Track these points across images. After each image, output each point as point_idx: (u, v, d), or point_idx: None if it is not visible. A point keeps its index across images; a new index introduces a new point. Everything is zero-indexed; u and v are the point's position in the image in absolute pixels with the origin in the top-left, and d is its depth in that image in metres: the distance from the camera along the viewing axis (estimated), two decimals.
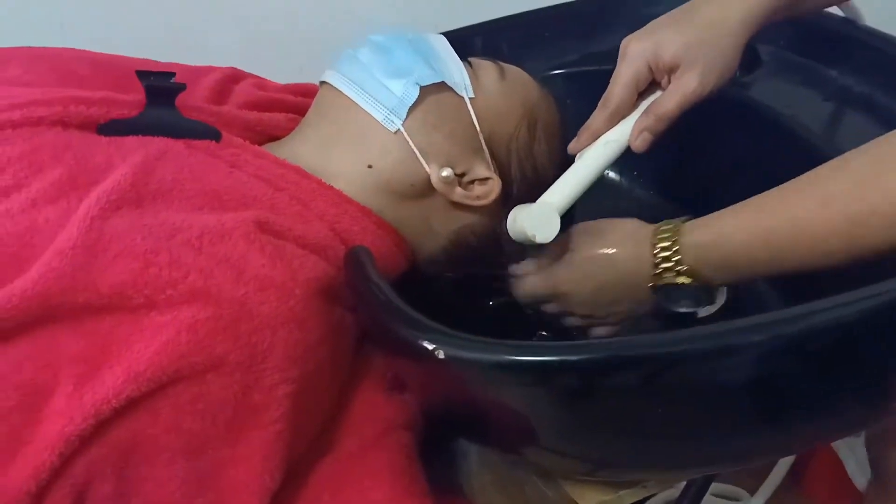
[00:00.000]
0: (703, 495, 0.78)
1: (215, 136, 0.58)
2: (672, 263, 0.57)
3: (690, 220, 0.58)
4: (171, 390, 0.45)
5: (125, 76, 0.60)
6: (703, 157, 0.78)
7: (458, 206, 0.63)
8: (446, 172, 0.61)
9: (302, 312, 0.49)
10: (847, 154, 0.53)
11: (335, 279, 0.54)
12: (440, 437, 0.62)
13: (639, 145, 0.64)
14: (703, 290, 0.58)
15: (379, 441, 0.54)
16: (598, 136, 0.65)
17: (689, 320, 0.72)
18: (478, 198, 0.63)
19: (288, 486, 0.50)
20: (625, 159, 0.80)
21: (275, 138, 0.65)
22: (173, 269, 0.47)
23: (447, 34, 0.85)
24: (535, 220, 0.61)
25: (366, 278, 0.52)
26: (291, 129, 0.65)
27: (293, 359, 0.48)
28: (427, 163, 0.61)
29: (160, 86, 0.57)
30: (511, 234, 0.63)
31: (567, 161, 0.68)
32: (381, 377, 0.57)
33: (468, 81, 0.63)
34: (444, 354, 0.46)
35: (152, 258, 0.47)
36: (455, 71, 0.63)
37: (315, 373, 0.50)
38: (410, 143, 0.61)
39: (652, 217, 0.82)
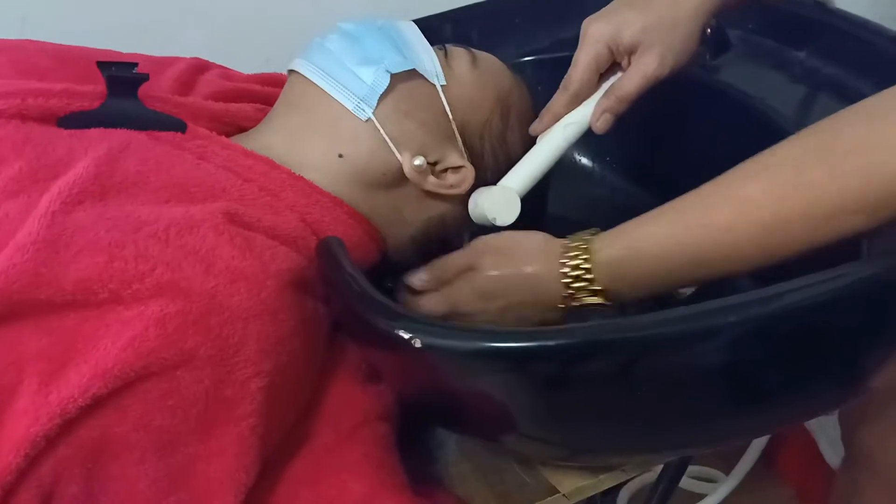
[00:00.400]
0: (680, 477, 0.78)
1: (181, 127, 0.56)
2: (585, 283, 0.53)
3: (599, 232, 0.55)
4: (139, 387, 0.44)
5: (87, 67, 0.59)
6: (674, 142, 0.78)
7: (430, 195, 0.62)
8: (419, 161, 0.60)
9: (274, 304, 0.48)
10: (766, 152, 0.51)
11: (307, 270, 0.53)
12: (417, 427, 0.62)
13: (600, 126, 0.65)
14: (614, 307, 0.55)
15: (355, 433, 0.53)
16: (559, 119, 0.66)
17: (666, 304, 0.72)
18: (451, 186, 0.62)
19: (264, 480, 0.49)
20: (597, 146, 0.81)
21: (243, 129, 0.64)
22: (139, 263, 0.46)
23: (417, 22, 0.85)
24: (496, 204, 0.62)
25: (339, 268, 0.52)
26: (259, 119, 0.64)
27: (266, 351, 0.47)
28: (399, 151, 0.60)
29: (121, 76, 0.55)
30: (473, 217, 0.64)
31: None
32: (356, 368, 0.56)
33: (440, 69, 0.63)
34: (421, 343, 0.46)
35: (117, 252, 0.46)
36: (426, 58, 0.63)
37: (288, 365, 0.49)
38: (382, 131, 0.60)
39: (624, 203, 0.83)
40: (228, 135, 0.61)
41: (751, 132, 0.71)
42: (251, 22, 0.93)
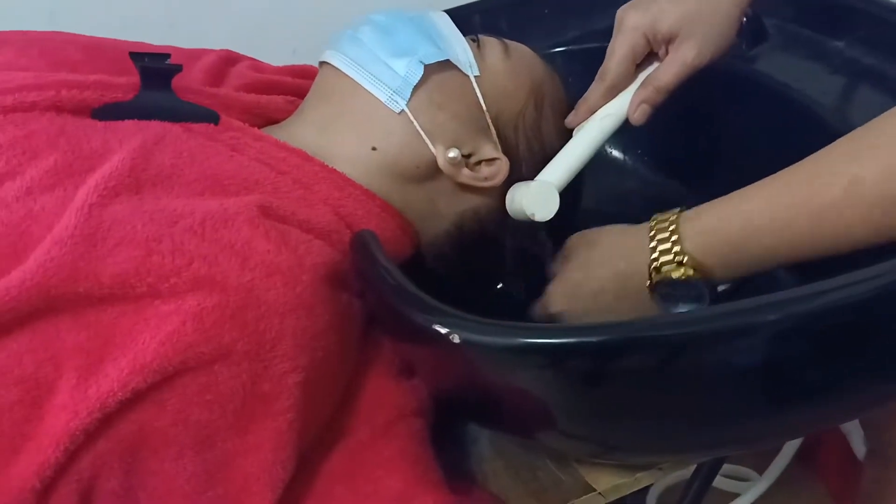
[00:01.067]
0: (714, 476, 0.77)
1: (214, 119, 0.56)
2: (671, 256, 0.51)
3: (684, 210, 0.53)
4: (178, 381, 0.44)
5: (119, 59, 0.59)
6: (709, 135, 0.77)
7: (464, 187, 0.62)
8: (453, 153, 0.60)
9: (310, 299, 0.48)
10: (866, 130, 0.48)
11: (341, 264, 0.52)
12: (450, 423, 0.61)
13: (637, 118, 0.64)
14: (704, 286, 0.52)
15: (390, 429, 0.53)
16: (596, 110, 0.65)
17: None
18: (486, 179, 0.62)
19: (299, 477, 0.49)
20: (629, 138, 0.79)
21: (274, 121, 0.63)
22: (176, 257, 0.45)
23: (446, 13, 0.85)
24: (534, 199, 0.61)
25: (374, 262, 0.51)
26: (291, 111, 0.64)
27: (302, 346, 0.47)
28: (433, 144, 0.59)
29: (155, 67, 0.55)
30: (511, 213, 0.63)
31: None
32: (390, 363, 0.56)
33: (473, 59, 0.62)
34: (459, 338, 0.45)
35: (154, 246, 0.45)
36: (459, 49, 0.62)
37: (324, 360, 0.49)
38: (415, 123, 0.59)
39: (657, 197, 0.81)
40: (260, 126, 0.60)
41: (789, 123, 0.70)
42: (277, 13, 0.93)
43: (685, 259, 0.51)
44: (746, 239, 0.50)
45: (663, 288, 0.52)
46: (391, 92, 0.59)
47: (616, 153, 0.82)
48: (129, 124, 0.53)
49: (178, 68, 0.56)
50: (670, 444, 0.57)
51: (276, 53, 0.77)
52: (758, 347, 0.48)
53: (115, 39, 0.66)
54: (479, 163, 0.62)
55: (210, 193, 0.50)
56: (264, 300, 0.46)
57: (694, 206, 0.53)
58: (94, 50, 0.62)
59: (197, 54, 0.67)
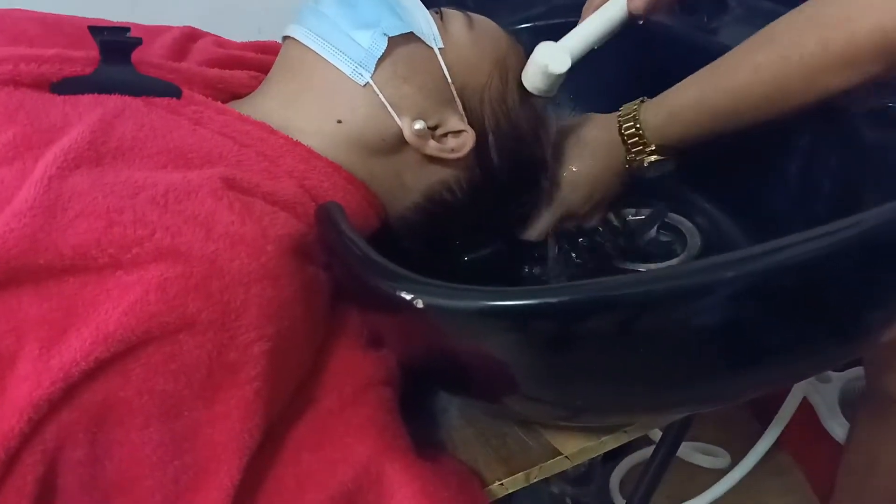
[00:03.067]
0: (675, 452, 0.79)
1: (175, 92, 0.56)
2: (641, 147, 0.70)
3: (645, 102, 0.69)
4: (142, 351, 0.44)
5: (77, 35, 0.58)
6: None
7: (431, 159, 0.62)
8: (419, 125, 0.60)
9: (275, 269, 0.48)
10: (760, 32, 0.63)
11: (306, 236, 0.52)
12: (420, 393, 0.62)
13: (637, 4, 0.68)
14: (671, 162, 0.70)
15: (359, 397, 0.53)
16: None
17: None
18: (452, 150, 0.62)
19: (267, 445, 0.49)
20: (594, 107, 0.80)
21: (238, 96, 0.63)
22: (138, 227, 0.45)
23: None
24: (550, 54, 0.66)
25: (339, 232, 0.51)
26: (255, 87, 0.64)
27: (268, 316, 0.47)
28: (399, 116, 0.60)
29: (114, 40, 0.55)
30: (528, 76, 0.66)
31: (538, 114, 0.68)
32: (358, 335, 0.56)
33: (437, 32, 0.62)
34: (423, 303, 0.46)
35: (116, 217, 0.45)
36: (423, 21, 0.62)
37: (290, 330, 0.49)
38: (381, 95, 0.59)
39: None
40: (224, 101, 0.60)
41: None
42: None
43: (651, 149, 0.70)
44: (689, 126, 0.67)
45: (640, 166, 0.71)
46: (355, 64, 0.59)
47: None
48: (88, 98, 0.53)
49: (137, 41, 0.55)
50: (634, 404, 0.57)
51: (242, 32, 0.76)
52: (718, 305, 0.49)
53: (74, 16, 0.65)
54: (445, 135, 0.62)
55: (173, 166, 0.50)
56: (228, 270, 0.46)
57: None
58: (52, 26, 0.61)
59: (158, 31, 0.67)
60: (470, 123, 0.63)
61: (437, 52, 0.61)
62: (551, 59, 0.65)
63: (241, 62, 0.66)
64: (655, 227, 0.77)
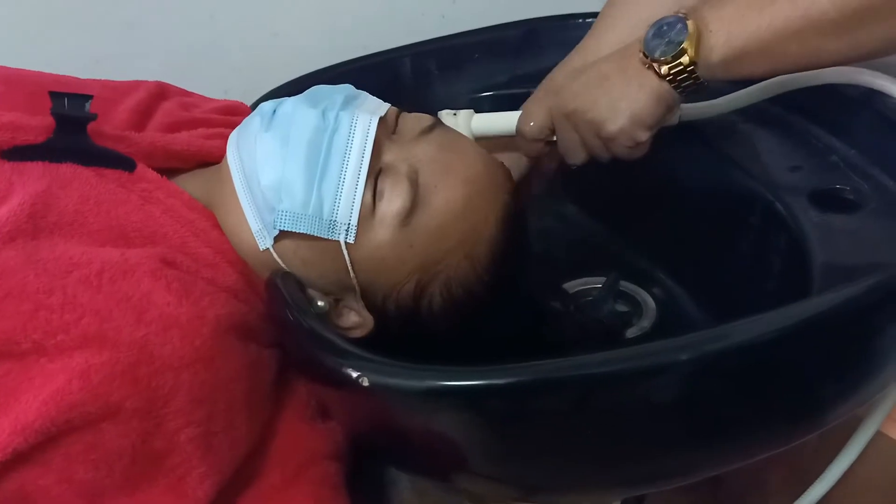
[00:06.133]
0: None
1: (129, 166, 0.55)
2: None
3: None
4: (62, 441, 0.43)
5: (38, 95, 0.57)
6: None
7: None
8: (321, 303, 0.55)
9: (209, 351, 0.47)
10: None
11: (248, 315, 0.51)
12: (369, 464, 0.61)
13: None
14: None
15: (302, 472, 0.52)
16: None
17: (619, 342, 0.73)
18: (350, 328, 0.56)
19: None
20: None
21: (206, 163, 0.60)
22: (66, 312, 0.44)
23: (376, 55, 0.86)
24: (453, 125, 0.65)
25: (287, 306, 0.51)
26: (219, 147, 0.60)
27: (199, 400, 0.46)
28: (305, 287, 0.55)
29: (69, 115, 0.54)
30: None
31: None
32: (306, 406, 0.55)
33: (355, 222, 0.52)
34: (369, 381, 0.45)
35: (44, 299, 0.44)
36: (344, 207, 0.52)
37: (227, 411, 0.48)
38: (282, 264, 0.54)
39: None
40: (190, 170, 0.59)
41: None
42: (208, 53, 0.93)
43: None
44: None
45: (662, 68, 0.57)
46: (260, 226, 0.53)
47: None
48: (38, 166, 0.52)
49: (92, 117, 0.54)
50: (588, 482, 0.57)
51: (209, 93, 0.76)
52: (672, 386, 0.49)
53: (40, 73, 0.64)
54: (350, 308, 0.57)
55: (112, 244, 0.49)
56: (159, 355, 0.45)
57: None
58: (14, 84, 0.60)
59: (128, 88, 0.65)
60: (370, 312, 0.57)
61: (343, 246, 0.53)
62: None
63: (205, 125, 0.64)
64: (612, 298, 0.77)
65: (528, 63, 0.86)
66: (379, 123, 0.54)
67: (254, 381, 0.50)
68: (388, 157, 0.54)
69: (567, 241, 0.83)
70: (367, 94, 0.58)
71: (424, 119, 0.57)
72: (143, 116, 0.63)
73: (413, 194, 0.53)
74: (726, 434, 0.53)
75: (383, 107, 0.57)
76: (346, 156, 0.52)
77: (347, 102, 0.55)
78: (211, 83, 0.86)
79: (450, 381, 0.46)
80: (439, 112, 0.69)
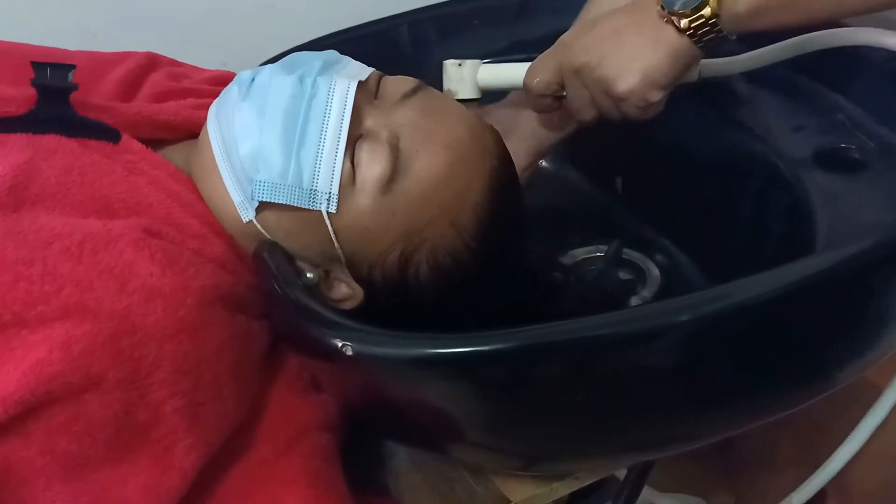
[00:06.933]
0: (639, 493, 0.77)
1: (113, 136, 0.54)
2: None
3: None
4: (43, 412, 0.42)
5: (23, 66, 0.55)
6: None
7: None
8: (310, 275, 0.53)
9: (194, 322, 0.46)
10: None
11: (236, 287, 0.51)
12: (366, 436, 0.60)
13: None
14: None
15: (293, 445, 0.51)
16: None
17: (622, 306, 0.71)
18: (341, 300, 0.55)
19: (194, 497, 0.47)
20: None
21: (193, 134, 0.58)
22: (46, 283, 0.44)
23: (372, 23, 0.84)
24: (458, 79, 0.66)
25: (273, 277, 0.50)
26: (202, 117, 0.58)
27: (184, 371, 0.45)
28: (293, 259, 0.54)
29: (51, 86, 0.53)
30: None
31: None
32: (297, 378, 0.55)
33: (335, 191, 0.51)
34: (352, 350, 0.44)
35: (24, 270, 0.44)
36: (324, 175, 0.51)
37: (214, 382, 0.47)
38: (266, 234, 0.53)
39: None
40: (178, 141, 0.58)
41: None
42: (205, 25, 0.92)
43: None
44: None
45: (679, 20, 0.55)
46: (242, 198, 0.52)
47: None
48: (21, 138, 0.52)
49: (73, 87, 0.53)
50: (587, 450, 0.56)
51: (206, 65, 0.75)
52: (671, 348, 0.48)
53: (27, 45, 0.63)
54: (339, 279, 0.55)
55: (96, 215, 0.48)
56: (141, 326, 0.44)
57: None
58: (1, 56, 0.59)
59: (117, 59, 0.64)
60: (357, 282, 0.55)
61: (325, 216, 0.51)
62: (459, 84, 0.65)
63: (193, 95, 0.62)
64: (615, 266, 0.76)
65: (529, 29, 0.84)
66: (359, 88, 0.52)
67: (242, 353, 0.50)
68: (369, 122, 0.53)
69: (568, 209, 0.81)
70: (350, 59, 0.56)
71: (407, 82, 0.55)
72: (130, 87, 0.61)
73: (393, 160, 0.51)
74: (729, 397, 0.52)
75: (365, 71, 0.55)
76: (325, 122, 0.51)
77: (326, 68, 0.53)
78: (208, 55, 0.85)
79: (437, 348, 0.45)
80: (444, 62, 0.69)
